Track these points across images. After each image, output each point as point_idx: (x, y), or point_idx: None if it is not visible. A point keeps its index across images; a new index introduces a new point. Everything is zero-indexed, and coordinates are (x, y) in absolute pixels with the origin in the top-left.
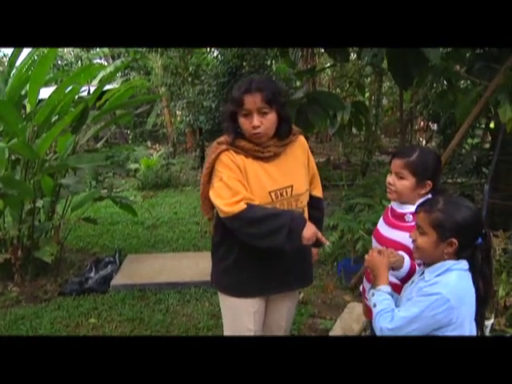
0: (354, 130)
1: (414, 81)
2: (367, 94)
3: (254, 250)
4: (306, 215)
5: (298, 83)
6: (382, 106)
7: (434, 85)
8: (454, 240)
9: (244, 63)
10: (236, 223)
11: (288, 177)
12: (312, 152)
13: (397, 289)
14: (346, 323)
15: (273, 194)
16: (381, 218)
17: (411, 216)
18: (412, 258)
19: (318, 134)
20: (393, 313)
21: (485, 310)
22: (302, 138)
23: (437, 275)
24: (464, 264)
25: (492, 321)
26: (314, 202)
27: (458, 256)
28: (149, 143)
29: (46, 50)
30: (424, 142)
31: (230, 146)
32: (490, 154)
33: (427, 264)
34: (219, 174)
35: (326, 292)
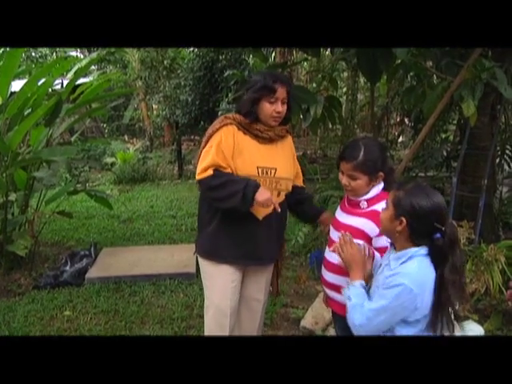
0: (330, 125)
1: (383, 75)
2: (344, 89)
3: (235, 219)
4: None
5: None
6: (357, 100)
7: (408, 80)
8: (403, 219)
9: (220, 57)
10: (202, 187)
11: (275, 161)
12: None
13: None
14: (318, 312)
15: (259, 170)
16: (338, 207)
17: (366, 203)
18: (370, 243)
19: (294, 128)
20: (362, 308)
21: (454, 296)
22: (290, 138)
23: (401, 263)
24: (424, 250)
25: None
26: (298, 190)
27: (415, 242)
28: (126, 137)
29: None
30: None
31: (234, 122)
32: (459, 148)
33: (394, 247)
34: (214, 140)
35: (298, 283)
